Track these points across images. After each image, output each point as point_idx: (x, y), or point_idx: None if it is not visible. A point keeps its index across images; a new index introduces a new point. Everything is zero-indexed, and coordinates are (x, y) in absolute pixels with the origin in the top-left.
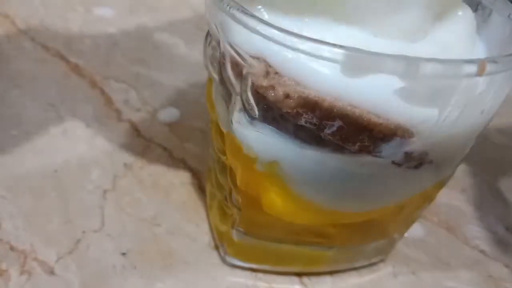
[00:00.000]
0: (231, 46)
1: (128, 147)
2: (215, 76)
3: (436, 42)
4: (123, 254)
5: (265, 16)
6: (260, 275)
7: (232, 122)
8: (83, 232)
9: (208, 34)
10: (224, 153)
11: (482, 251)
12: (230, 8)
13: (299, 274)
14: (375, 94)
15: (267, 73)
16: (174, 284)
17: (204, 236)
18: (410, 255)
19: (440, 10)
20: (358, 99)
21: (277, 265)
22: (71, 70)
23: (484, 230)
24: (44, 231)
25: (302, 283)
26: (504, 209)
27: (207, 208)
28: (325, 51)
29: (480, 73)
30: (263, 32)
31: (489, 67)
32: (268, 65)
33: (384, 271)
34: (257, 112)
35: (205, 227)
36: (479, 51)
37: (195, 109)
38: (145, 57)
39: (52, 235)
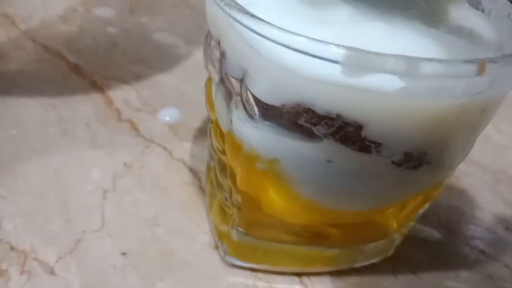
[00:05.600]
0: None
1: (128, 147)
2: (215, 76)
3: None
4: (123, 254)
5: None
6: (260, 275)
7: (232, 121)
8: (83, 232)
9: (208, 34)
10: (224, 153)
11: (481, 251)
12: (230, 8)
13: (299, 274)
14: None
15: None
16: (174, 284)
17: (204, 236)
18: (410, 255)
19: None
20: (358, 100)
21: (277, 265)
22: (71, 70)
23: (483, 230)
24: (44, 231)
25: (302, 283)
26: (504, 209)
27: (207, 208)
28: (326, 51)
29: (480, 73)
30: (262, 32)
31: (489, 67)
32: None
33: (384, 271)
34: (257, 112)
35: (205, 227)
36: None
37: (195, 109)
38: (145, 57)
39: (52, 235)
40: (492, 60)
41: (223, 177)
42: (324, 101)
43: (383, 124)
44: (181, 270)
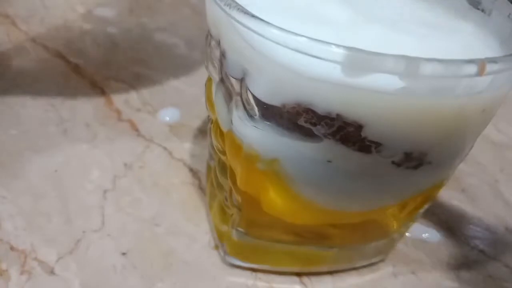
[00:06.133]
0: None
1: (128, 147)
2: (215, 76)
3: None
4: (123, 254)
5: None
6: (260, 275)
7: (232, 121)
8: (83, 232)
9: (208, 34)
10: (224, 153)
11: (481, 251)
12: (230, 8)
13: (299, 274)
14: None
15: None
16: (174, 284)
17: (204, 236)
18: (410, 255)
19: None
20: (358, 100)
21: (277, 265)
22: (72, 70)
23: (483, 230)
24: (44, 231)
25: (302, 283)
26: (504, 209)
27: (207, 208)
28: (326, 51)
29: (480, 73)
30: (262, 32)
31: (489, 67)
32: None
33: (384, 271)
34: (257, 112)
35: (205, 227)
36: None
37: (195, 109)
38: (145, 57)
39: (52, 235)
40: (492, 60)
41: (223, 177)
42: (324, 101)
43: (383, 124)
44: (181, 270)
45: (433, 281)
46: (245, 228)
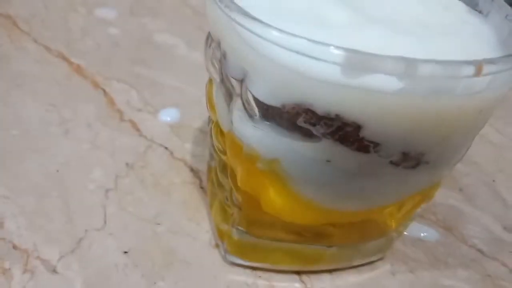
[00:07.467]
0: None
1: (129, 147)
2: (216, 77)
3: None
4: (125, 252)
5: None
6: (260, 273)
7: (232, 122)
8: (85, 231)
9: (208, 34)
10: (224, 153)
11: (479, 250)
12: (230, 10)
13: (298, 272)
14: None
15: None
16: (175, 282)
17: (205, 234)
18: (408, 253)
19: None
20: (357, 100)
21: (277, 264)
22: (73, 70)
23: (481, 229)
24: (47, 230)
25: (301, 281)
26: (502, 209)
27: (208, 207)
28: (326, 52)
29: (477, 74)
30: (263, 33)
31: (486, 68)
32: None
33: (382, 269)
34: (257, 113)
35: (206, 226)
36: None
37: (196, 109)
38: (146, 57)
39: (55, 234)
40: (490, 61)
41: (224, 177)
42: (324, 102)
43: (381, 125)
44: (182, 269)
45: (431, 279)
46: (246, 227)
